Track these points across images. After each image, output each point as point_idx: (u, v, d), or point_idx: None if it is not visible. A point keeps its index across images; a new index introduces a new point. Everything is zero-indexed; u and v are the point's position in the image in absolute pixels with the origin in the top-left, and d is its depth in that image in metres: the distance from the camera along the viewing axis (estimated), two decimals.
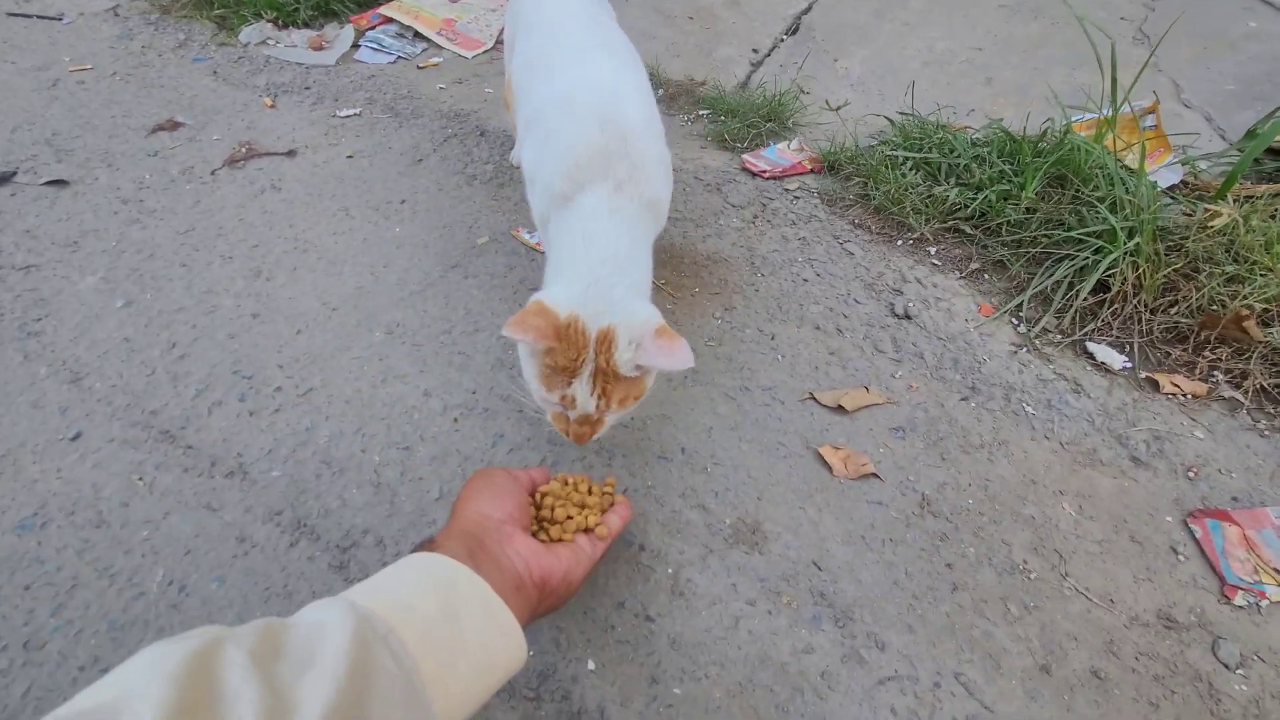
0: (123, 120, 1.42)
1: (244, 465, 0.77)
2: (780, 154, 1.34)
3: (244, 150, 1.33)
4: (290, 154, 1.33)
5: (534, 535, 0.57)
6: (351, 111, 1.47)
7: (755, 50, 1.70)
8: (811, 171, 1.32)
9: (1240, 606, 0.71)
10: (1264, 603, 0.71)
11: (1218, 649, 0.67)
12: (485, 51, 1.77)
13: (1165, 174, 1.20)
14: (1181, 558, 0.75)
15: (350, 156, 1.33)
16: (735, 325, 0.99)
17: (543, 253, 1.10)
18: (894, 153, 1.28)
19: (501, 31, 1.83)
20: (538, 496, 0.62)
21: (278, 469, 0.77)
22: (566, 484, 0.65)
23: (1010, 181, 1.17)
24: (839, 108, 1.46)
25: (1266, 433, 0.87)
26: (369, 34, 1.78)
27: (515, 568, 0.47)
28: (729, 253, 1.11)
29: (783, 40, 1.74)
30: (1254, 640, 0.68)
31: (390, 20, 1.83)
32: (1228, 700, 0.64)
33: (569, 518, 0.61)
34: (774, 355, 0.95)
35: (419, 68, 1.68)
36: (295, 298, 1.00)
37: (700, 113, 1.52)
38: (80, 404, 0.83)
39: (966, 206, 1.16)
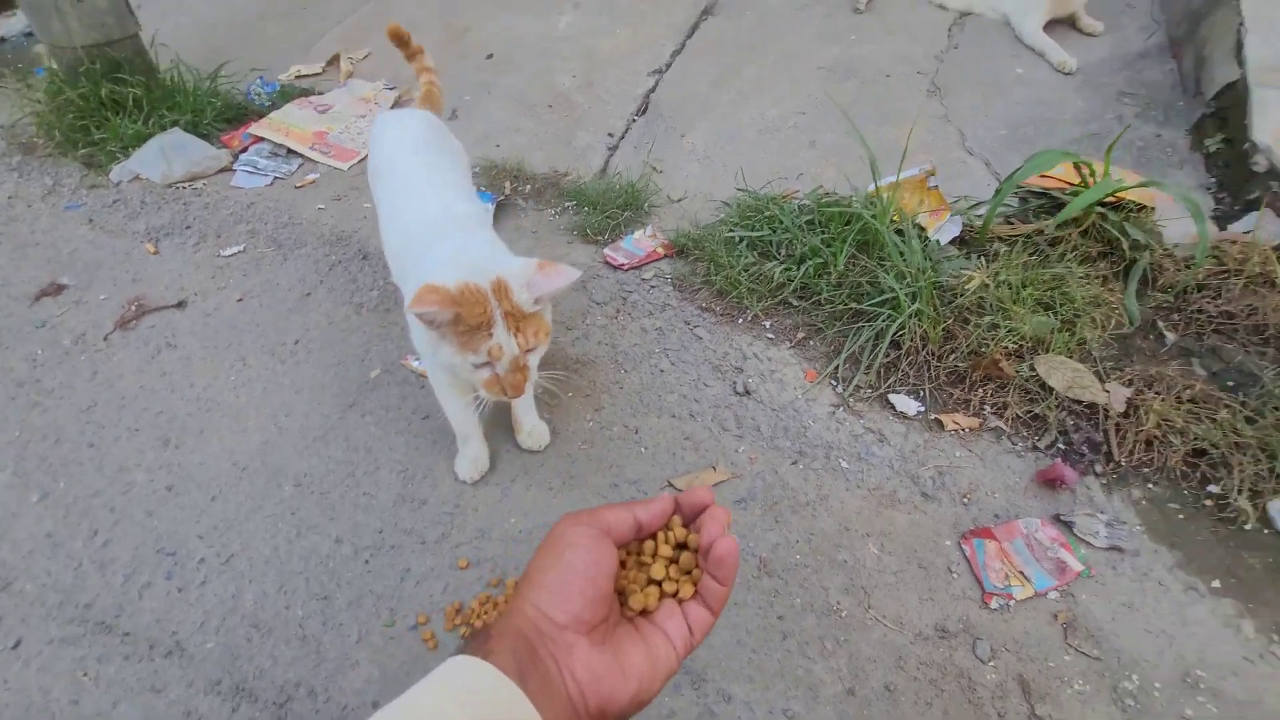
0: (2, 289, 1.45)
1: (180, 642, 0.88)
2: (637, 244, 1.52)
3: (134, 308, 1.40)
4: (181, 305, 1.41)
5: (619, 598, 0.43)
6: (236, 249, 1.55)
7: (610, 134, 1.88)
8: (665, 256, 1.51)
9: (995, 609, 0.93)
10: (1011, 603, 0.93)
11: (976, 648, 0.89)
12: (360, 160, 1.88)
13: (948, 228, 1.44)
14: (955, 575, 0.96)
15: (240, 300, 1.42)
16: (604, 424, 1.16)
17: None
18: (731, 233, 1.48)
19: None
20: (631, 547, 0.45)
21: (211, 640, 0.88)
22: (660, 544, 0.45)
23: (824, 254, 1.39)
24: (680, 199, 1.65)
25: (1022, 453, 1.11)
26: (243, 157, 1.85)
27: (568, 693, 0.39)
28: (595, 353, 1.28)
29: (635, 120, 1.92)
30: (1002, 635, 0.90)
31: (262, 139, 1.91)
32: (981, 689, 0.85)
33: (669, 567, 0.44)
34: (638, 448, 1.12)
35: (296, 187, 1.77)
36: (205, 462, 1.10)
37: (566, 205, 1.69)
38: (14, 610, 0.91)
39: (791, 281, 1.37)
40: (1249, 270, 1.26)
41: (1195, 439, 1.07)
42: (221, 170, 1.82)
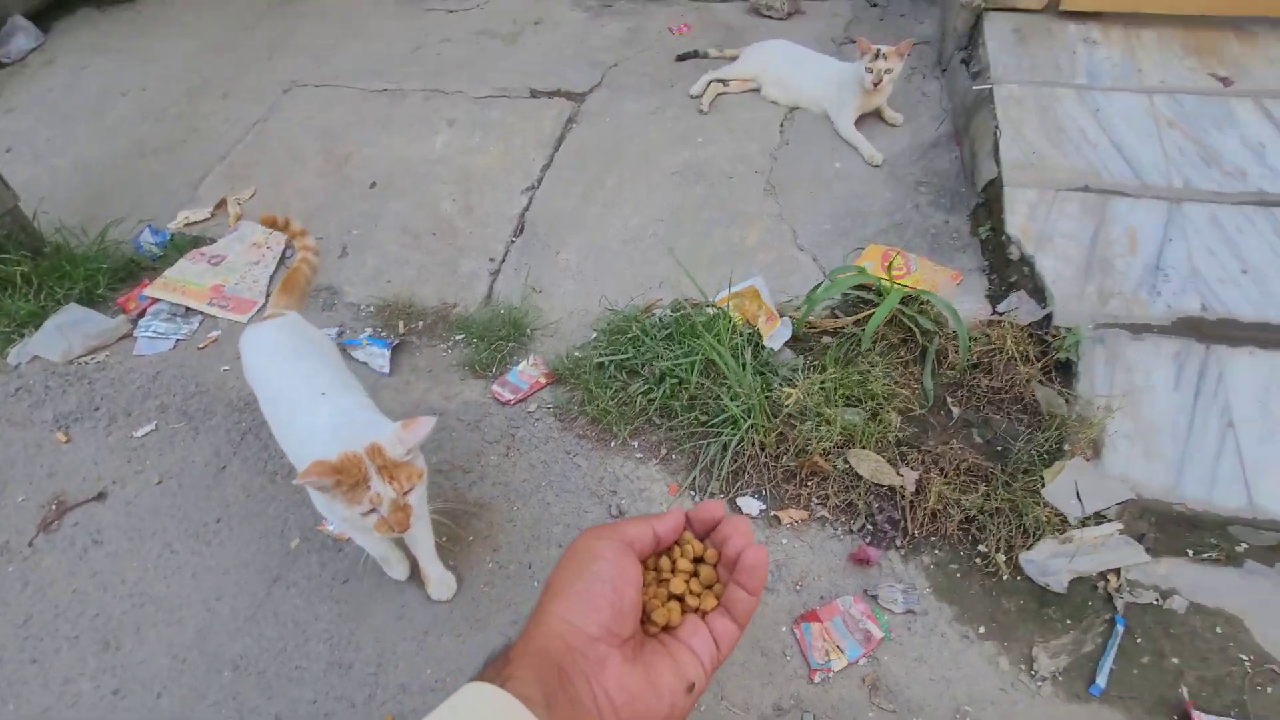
0: None
1: None
2: (521, 375, 1.72)
3: (54, 508, 1.50)
4: (101, 497, 1.52)
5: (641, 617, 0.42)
6: (148, 428, 1.66)
7: (491, 259, 2.07)
8: (547, 384, 1.72)
9: (818, 683, 1.19)
10: (831, 675, 1.19)
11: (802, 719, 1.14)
12: (260, 309, 2.00)
13: (780, 333, 1.71)
14: (788, 658, 1.22)
15: (159, 482, 1.54)
16: (502, 563, 1.36)
17: (346, 540, 1.40)
18: (600, 359, 1.70)
19: (274, 287, 2.06)
20: (654, 560, 0.45)
21: None
22: (675, 557, 0.45)
23: (679, 372, 1.63)
24: (556, 321, 1.86)
25: (840, 537, 1.38)
26: (142, 322, 1.94)
27: (600, 716, 0.37)
28: (490, 494, 1.48)
29: (513, 242, 2.12)
30: (824, 705, 1.16)
31: (159, 300, 2.00)
32: None
33: (690, 583, 0.44)
34: (533, 584, 1.33)
35: (200, 348, 1.88)
36: (146, 659, 1.24)
37: (456, 338, 1.87)
38: None
39: (653, 402, 1.60)
40: (1007, 349, 1.59)
41: (965, 508, 1.36)
42: (123, 338, 1.91)
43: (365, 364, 1.79)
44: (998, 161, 1.87)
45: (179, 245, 2.17)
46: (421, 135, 2.49)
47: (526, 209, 2.20)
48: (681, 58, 2.67)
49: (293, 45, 3.05)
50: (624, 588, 0.40)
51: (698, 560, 0.44)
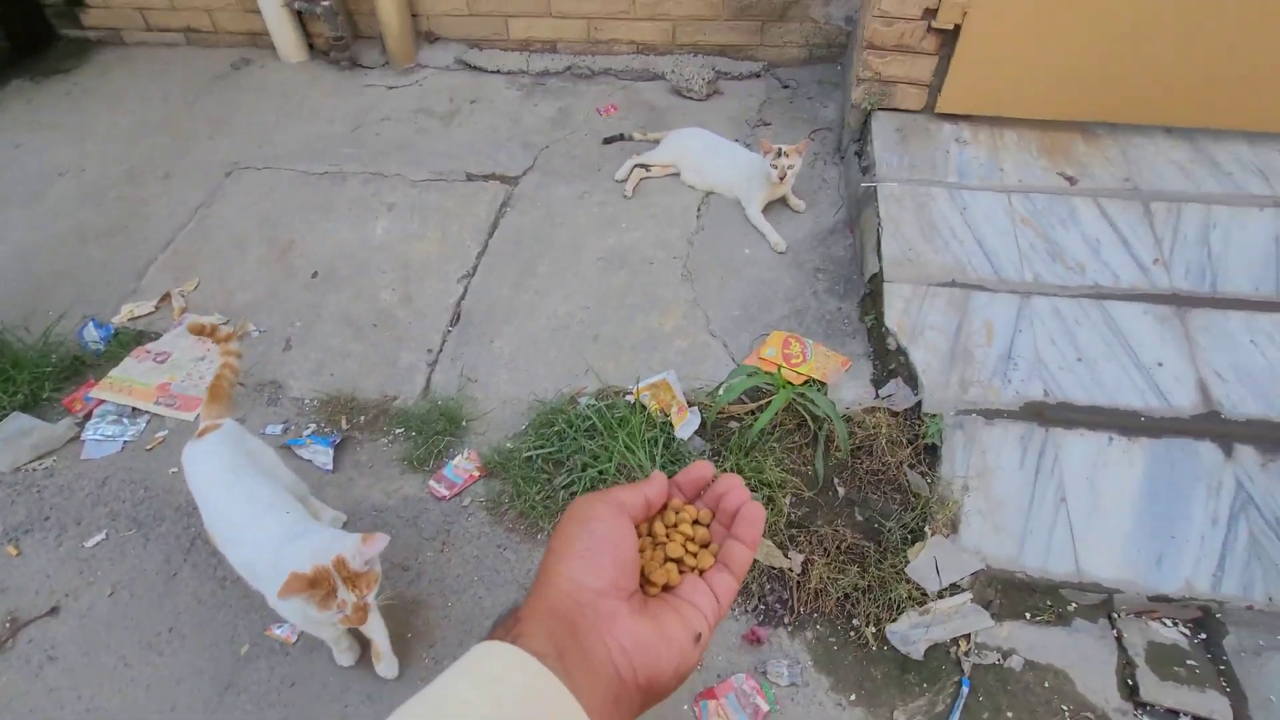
0: None
1: None
2: (457, 470, 1.88)
3: (8, 625, 1.58)
4: (54, 611, 1.61)
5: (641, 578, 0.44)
6: (98, 537, 1.75)
7: (429, 350, 2.22)
8: (480, 477, 1.88)
9: None
10: None
11: None
12: None
13: (690, 423, 1.91)
14: None
15: (111, 594, 1.64)
16: (437, 658, 1.52)
17: (294, 643, 1.54)
18: (529, 452, 1.87)
19: None
20: (642, 529, 0.47)
21: None
22: (667, 520, 0.47)
23: (599, 463, 1.81)
24: (489, 412, 2.02)
25: (737, 616, 1.58)
26: (89, 425, 2.03)
27: (614, 667, 0.38)
28: (428, 591, 1.63)
29: (449, 331, 2.28)
30: None
31: (105, 401, 2.08)
32: None
33: (688, 547, 0.46)
34: None
35: (147, 450, 1.98)
36: None
37: (396, 431, 2.02)
38: None
39: (574, 495, 1.78)
40: (884, 434, 1.82)
41: (843, 586, 1.58)
42: (71, 440, 1.99)
43: (310, 461, 1.92)
44: (880, 257, 2.12)
45: (123, 341, 2.25)
46: (362, 221, 2.63)
47: (462, 298, 2.36)
48: (608, 141, 2.88)
49: (234, 123, 3.15)
50: (623, 545, 0.41)
51: (694, 523, 0.47)
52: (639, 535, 0.45)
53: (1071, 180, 2.25)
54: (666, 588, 0.44)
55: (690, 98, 3.11)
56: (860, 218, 2.35)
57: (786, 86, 3.15)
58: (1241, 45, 2.10)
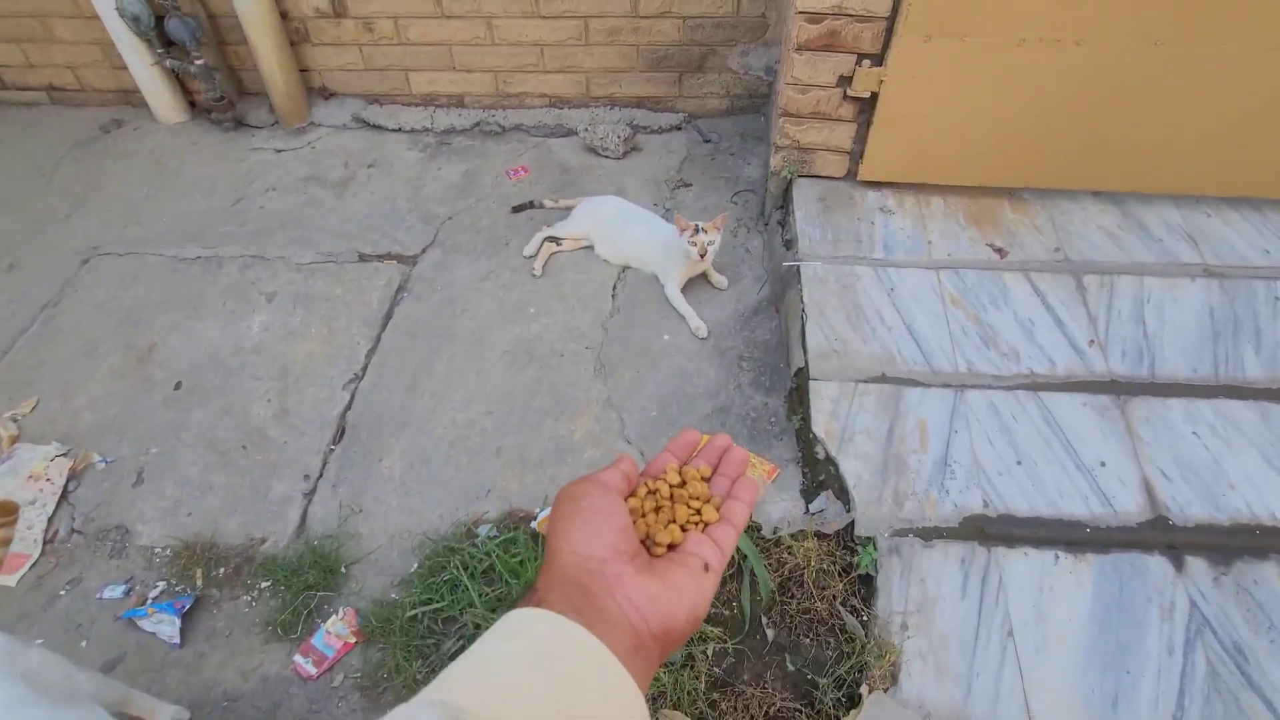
0: None
1: None
2: (329, 639, 1.61)
3: None
4: None
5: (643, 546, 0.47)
6: None
7: (307, 477, 1.95)
8: (357, 644, 1.62)
9: None
10: None
11: None
12: (33, 565, 1.78)
13: None
14: None
15: None
16: None
17: None
18: (414, 610, 1.62)
19: (54, 533, 1.84)
20: (640, 495, 0.49)
21: None
22: (669, 480, 0.50)
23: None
24: (374, 551, 1.76)
25: None
26: None
27: (630, 621, 0.40)
28: None
29: (332, 450, 2.01)
30: None
31: None
32: None
33: (691, 504, 0.49)
34: None
35: None
36: None
37: (261, 585, 1.74)
38: None
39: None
40: (814, 564, 1.64)
41: None
42: None
43: (153, 635, 1.62)
44: (805, 349, 1.95)
45: None
46: (237, 316, 2.33)
47: (348, 407, 2.09)
48: (517, 209, 2.65)
49: (97, 198, 2.80)
50: (615, 514, 0.44)
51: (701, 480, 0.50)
52: (641, 499, 0.48)
53: (1001, 252, 2.13)
54: (671, 546, 0.46)
55: (606, 156, 2.91)
56: (784, 298, 2.18)
57: (708, 140, 2.98)
58: (1163, 109, 2.01)
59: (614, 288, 2.39)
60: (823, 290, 2.05)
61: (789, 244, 2.25)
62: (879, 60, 2.02)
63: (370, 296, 2.38)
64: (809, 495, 1.80)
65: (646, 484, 0.49)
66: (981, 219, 2.22)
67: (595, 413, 2.04)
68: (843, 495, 1.74)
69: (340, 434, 2.03)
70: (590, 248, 2.49)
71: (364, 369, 2.18)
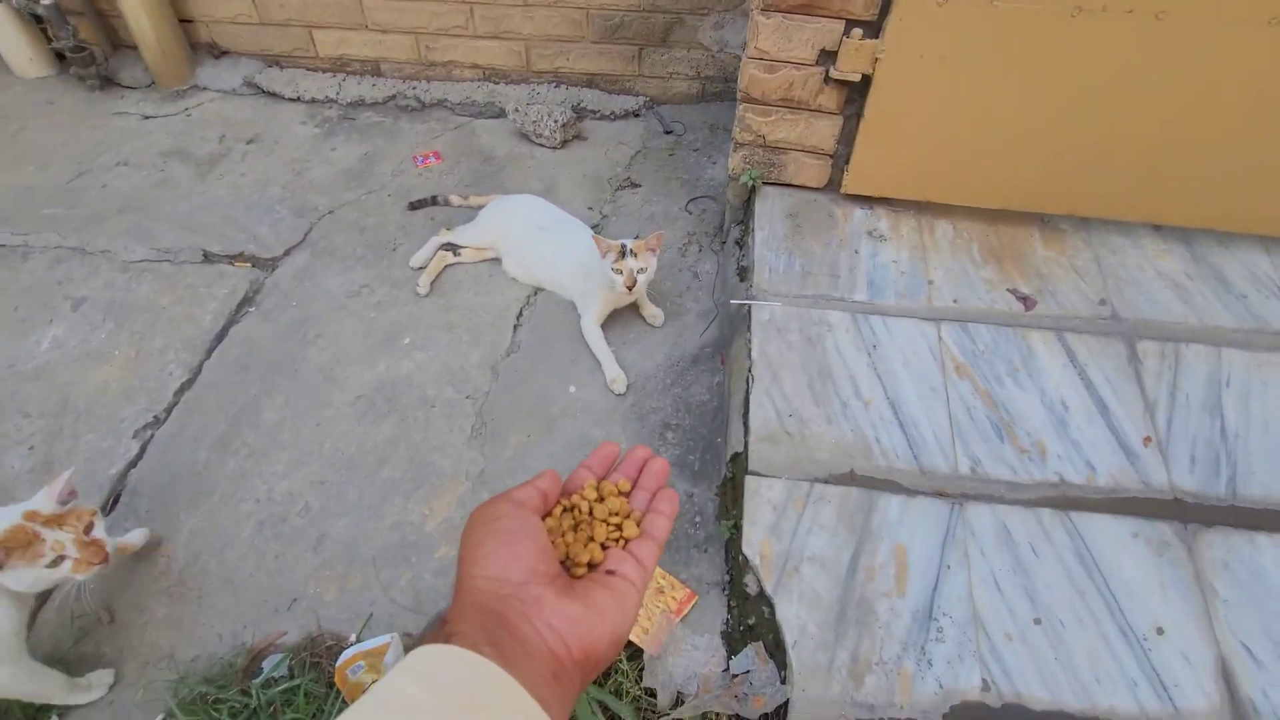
0: None
1: None
2: None
3: None
4: None
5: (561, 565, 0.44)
6: None
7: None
8: None
9: None
10: None
11: None
12: None
13: None
14: None
15: None
16: None
17: None
18: None
19: None
20: (557, 515, 0.46)
21: None
22: (587, 496, 0.47)
23: None
24: (117, 690, 1.23)
25: None
26: None
27: (549, 647, 0.37)
28: None
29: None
30: None
31: None
32: None
33: (609, 521, 0.46)
34: None
35: None
36: None
37: None
38: None
39: None
40: None
41: None
42: None
43: None
44: (746, 425, 1.41)
45: None
46: (26, 327, 1.80)
47: (134, 463, 1.56)
48: (415, 206, 2.10)
49: None
50: (533, 535, 0.42)
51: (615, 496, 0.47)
52: (558, 518, 0.45)
53: (1027, 301, 1.58)
54: (591, 565, 0.44)
55: (540, 144, 2.36)
56: (732, 347, 1.63)
57: (670, 131, 2.43)
58: (1267, 120, 1.46)
59: (519, 316, 1.84)
60: (780, 342, 1.50)
61: (743, 273, 1.70)
62: (875, 30, 1.46)
63: (204, 310, 1.85)
64: (732, 643, 1.27)
65: (563, 502, 0.46)
66: (1002, 254, 1.66)
67: (461, 492, 1.51)
68: (778, 654, 1.20)
69: (113, 502, 1.50)
70: (498, 261, 1.95)
71: (169, 410, 1.65)
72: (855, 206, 1.74)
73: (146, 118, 2.47)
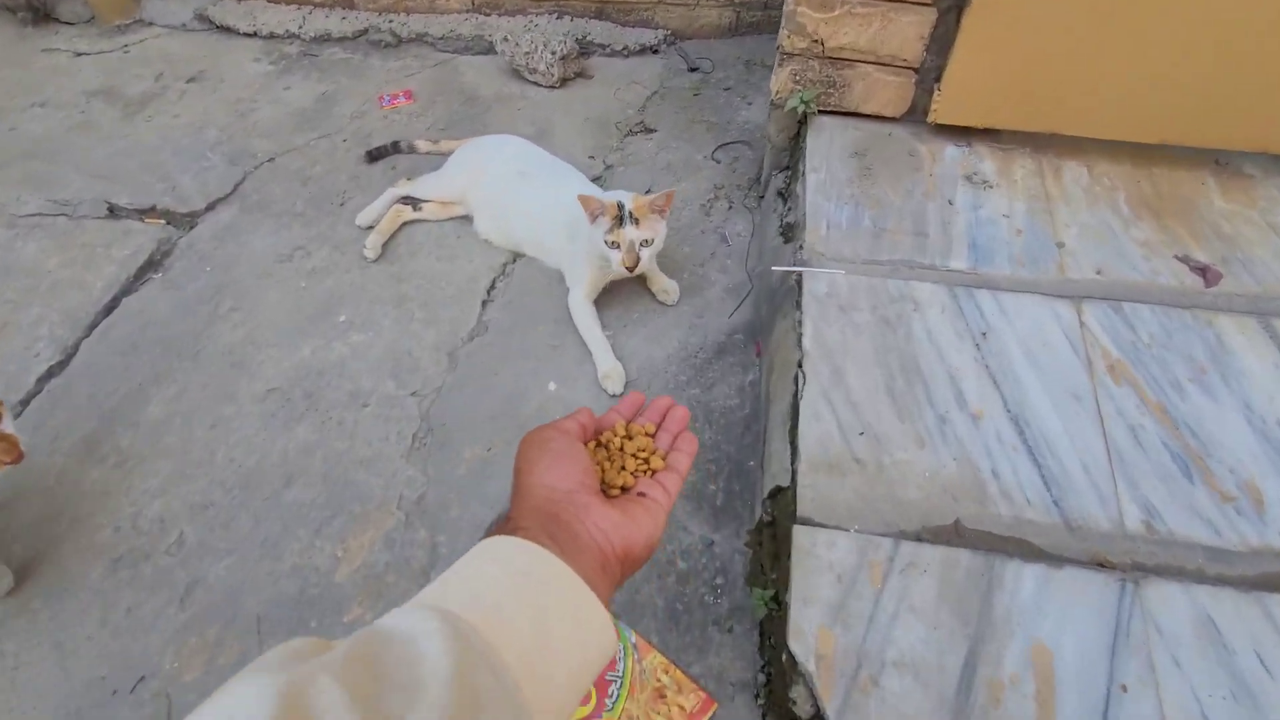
0: None
1: None
2: None
3: None
4: None
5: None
6: None
7: None
8: None
9: None
10: None
11: None
12: None
13: None
14: None
15: None
16: None
17: None
18: None
19: None
20: (591, 448, 0.49)
21: None
22: (618, 434, 0.50)
23: None
24: None
25: None
26: None
27: (597, 544, 0.42)
28: None
29: None
30: None
31: None
32: None
33: (638, 456, 0.49)
34: None
35: None
36: None
37: None
38: None
39: None
40: None
41: None
42: None
43: None
44: (793, 444, 0.96)
45: None
46: None
47: None
48: (374, 156, 1.68)
49: None
50: (579, 456, 0.46)
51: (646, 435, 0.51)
52: (592, 451, 0.49)
53: (1207, 274, 1.09)
54: (624, 489, 0.48)
55: (534, 82, 1.93)
56: (773, 333, 1.18)
57: (695, 69, 1.97)
58: None
59: (490, 289, 1.41)
60: (844, 325, 1.04)
61: (789, 231, 1.24)
62: None
63: (97, 275, 1.46)
64: None
65: (597, 439, 0.50)
66: (1161, 207, 1.18)
67: (389, 526, 1.09)
68: None
69: None
70: (468, 220, 1.52)
71: (25, 402, 1.26)
72: (947, 142, 1.27)
73: (79, 55, 2.10)
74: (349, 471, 1.15)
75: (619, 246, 1.18)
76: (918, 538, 0.87)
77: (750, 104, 1.82)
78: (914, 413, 0.96)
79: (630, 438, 0.50)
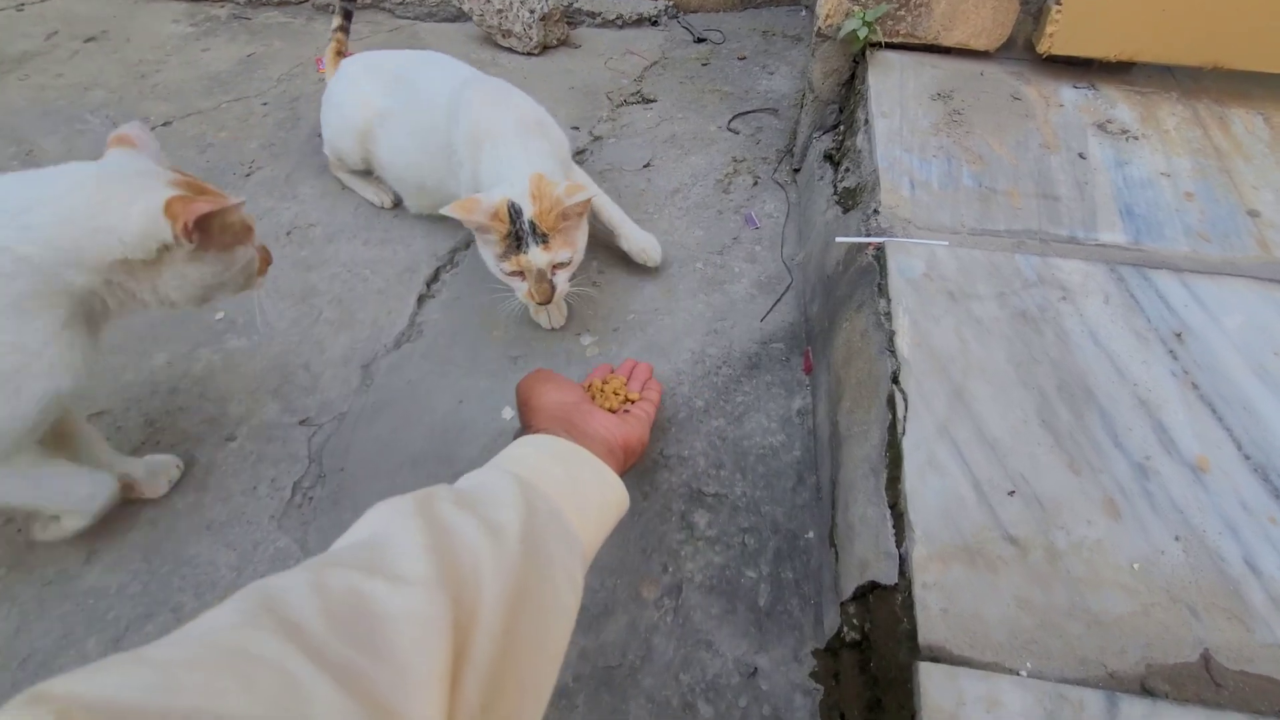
0: None
1: None
2: None
3: None
4: None
5: None
6: None
7: None
8: None
9: None
10: None
11: None
12: None
13: None
14: None
15: None
16: None
17: None
18: None
19: None
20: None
21: None
22: (597, 381, 0.72)
23: None
24: None
25: None
26: None
27: (602, 436, 0.57)
28: None
29: None
30: None
31: None
32: None
33: (617, 394, 0.70)
34: None
35: None
36: None
37: None
38: None
39: None
40: None
41: None
42: None
43: None
44: (897, 514, 0.58)
45: None
46: None
47: None
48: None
49: None
50: (574, 386, 0.65)
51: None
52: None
53: None
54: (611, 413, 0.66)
55: (508, 47, 1.60)
56: (835, 338, 0.81)
57: (702, 40, 1.66)
58: None
59: (432, 280, 1.02)
60: (958, 322, 0.68)
61: (849, 197, 0.89)
62: None
63: None
64: None
65: (582, 386, 0.68)
66: None
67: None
68: None
69: None
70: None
71: None
72: (1061, 82, 0.93)
73: None
74: (184, 542, 0.75)
75: (523, 276, 0.82)
76: (1145, 688, 0.48)
77: (772, 74, 1.49)
78: (1093, 460, 0.58)
79: (607, 382, 0.72)
